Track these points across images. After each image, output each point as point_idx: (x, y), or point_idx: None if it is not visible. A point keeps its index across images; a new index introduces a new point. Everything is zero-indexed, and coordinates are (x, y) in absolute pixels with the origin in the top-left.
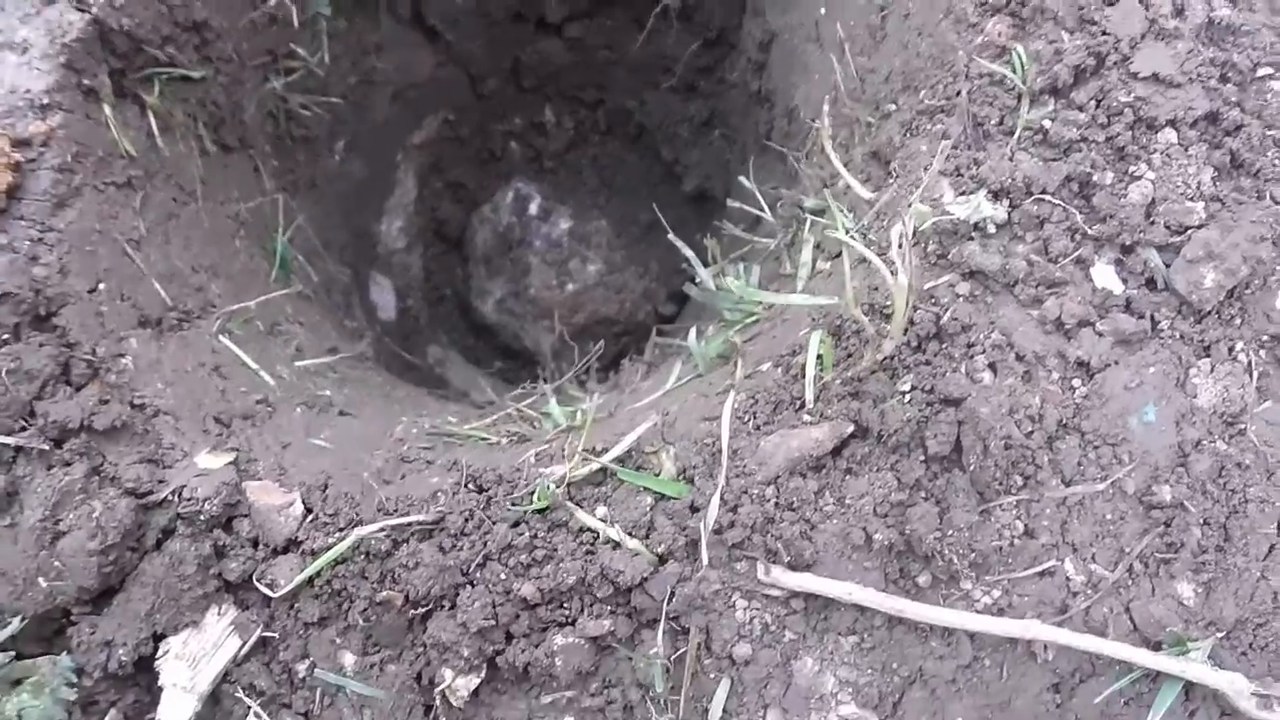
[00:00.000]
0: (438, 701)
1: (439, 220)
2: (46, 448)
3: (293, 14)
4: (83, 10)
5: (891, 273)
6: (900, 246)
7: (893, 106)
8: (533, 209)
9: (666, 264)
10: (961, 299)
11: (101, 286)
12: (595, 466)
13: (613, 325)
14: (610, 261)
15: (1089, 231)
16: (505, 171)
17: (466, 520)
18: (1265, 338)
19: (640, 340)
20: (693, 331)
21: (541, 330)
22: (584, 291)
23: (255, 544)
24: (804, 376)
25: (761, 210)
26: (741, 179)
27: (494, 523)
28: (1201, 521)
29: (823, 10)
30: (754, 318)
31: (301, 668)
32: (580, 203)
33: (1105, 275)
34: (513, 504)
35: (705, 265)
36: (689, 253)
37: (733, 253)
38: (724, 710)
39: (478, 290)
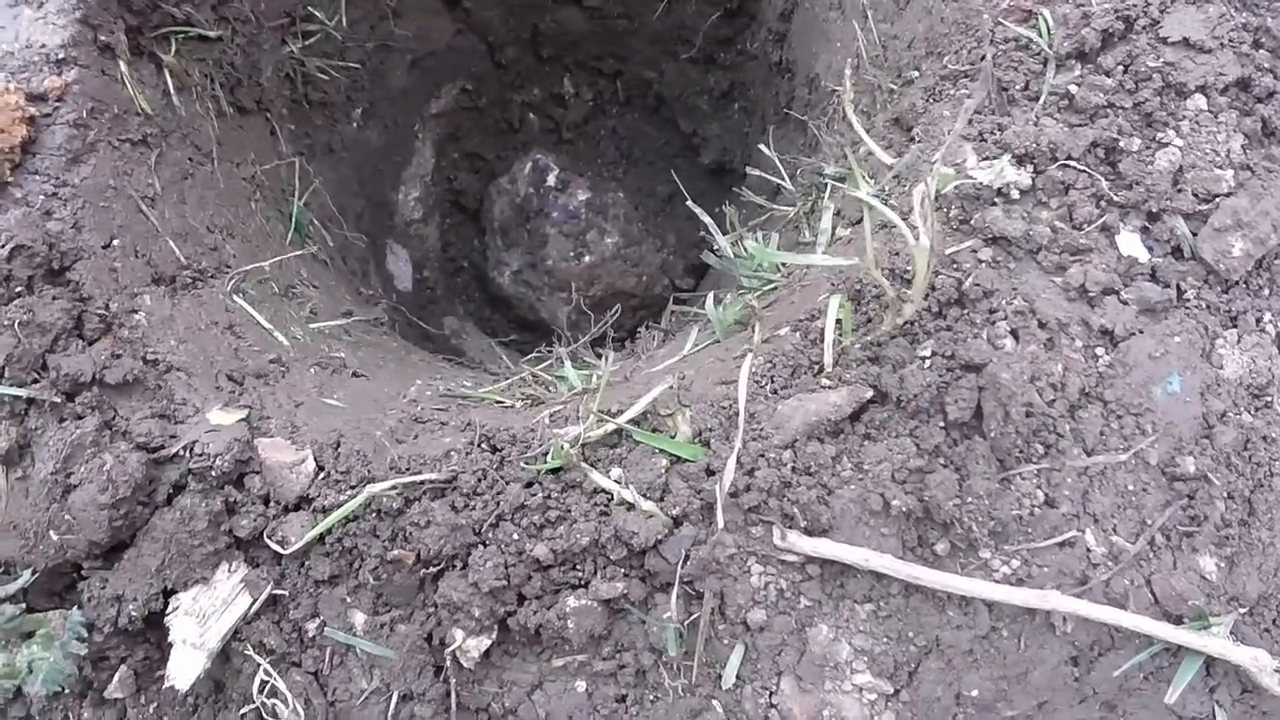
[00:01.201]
0: (448, 662)
1: (456, 191)
2: (58, 401)
3: None
4: None
5: (913, 235)
6: (922, 208)
7: (915, 73)
8: (550, 180)
9: (684, 237)
10: (984, 264)
11: (115, 243)
12: (610, 427)
13: (629, 298)
14: (627, 234)
15: (1115, 198)
16: (523, 142)
17: (479, 479)
18: None
19: (657, 314)
20: (710, 297)
21: (558, 302)
22: (601, 264)
23: (266, 501)
24: (823, 340)
25: (781, 179)
26: (761, 147)
27: (507, 482)
28: (1225, 495)
29: None
30: (772, 285)
31: (311, 626)
32: (598, 174)
33: (1131, 243)
34: (526, 464)
35: (724, 234)
36: (707, 219)
37: (751, 221)
38: (737, 677)
39: (494, 261)
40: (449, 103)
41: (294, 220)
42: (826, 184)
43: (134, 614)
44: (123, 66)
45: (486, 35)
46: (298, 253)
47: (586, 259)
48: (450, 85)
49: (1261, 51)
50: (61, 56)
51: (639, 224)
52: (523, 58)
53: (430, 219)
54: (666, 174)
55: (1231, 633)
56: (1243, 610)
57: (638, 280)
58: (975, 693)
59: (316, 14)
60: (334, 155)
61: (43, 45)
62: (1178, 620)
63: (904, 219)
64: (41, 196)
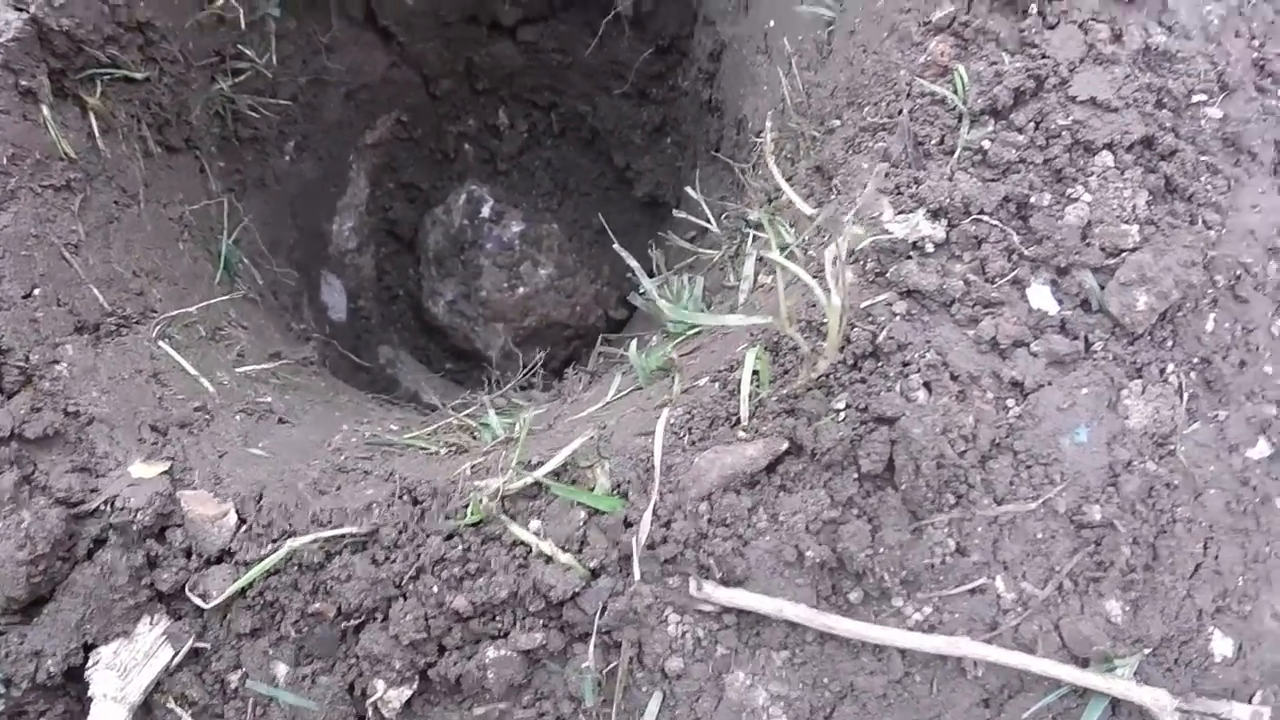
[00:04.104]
0: (370, 713)
1: (391, 220)
2: None
3: (240, 15)
4: (20, 9)
5: (825, 293)
6: (834, 266)
7: (837, 122)
8: (485, 211)
9: (618, 268)
10: (898, 317)
11: (37, 292)
12: (530, 480)
13: (564, 329)
14: (562, 265)
15: (1025, 252)
16: (458, 173)
17: (400, 532)
18: (1196, 360)
19: (591, 344)
20: (634, 344)
21: (492, 332)
22: (535, 295)
23: (188, 554)
24: (740, 392)
25: (708, 221)
26: (688, 189)
27: (427, 535)
28: (1131, 540)
29: (771, 23)
30: (696, 329)
31: (234, 678)
32: (533, 205)
33: (1041, 296)
34: (447, 517)
35: (651, 275)
36: (633, 263)
37: (679, 262)
38: None
39: (429, 291)
40: (384, 133)
41: (223, 260)
42: (749, 231)
43: (53, 669)
44: (45, 111)
45: (421, 68)
46: (225, 297)
47: (521, 290)
48: (385, 116)
49: (1164, 111)
50: None
51: (573, 255)
52: (458, 90)
53: (365, 249)
54: (601, 206)
55: (1135, 674)
56: (1146, 651)
57: (571, 311)
58: None
59: (247, 52)
60: (266, 189)
61: None
62: (1084, 663)
63: (817, 275)
64: None
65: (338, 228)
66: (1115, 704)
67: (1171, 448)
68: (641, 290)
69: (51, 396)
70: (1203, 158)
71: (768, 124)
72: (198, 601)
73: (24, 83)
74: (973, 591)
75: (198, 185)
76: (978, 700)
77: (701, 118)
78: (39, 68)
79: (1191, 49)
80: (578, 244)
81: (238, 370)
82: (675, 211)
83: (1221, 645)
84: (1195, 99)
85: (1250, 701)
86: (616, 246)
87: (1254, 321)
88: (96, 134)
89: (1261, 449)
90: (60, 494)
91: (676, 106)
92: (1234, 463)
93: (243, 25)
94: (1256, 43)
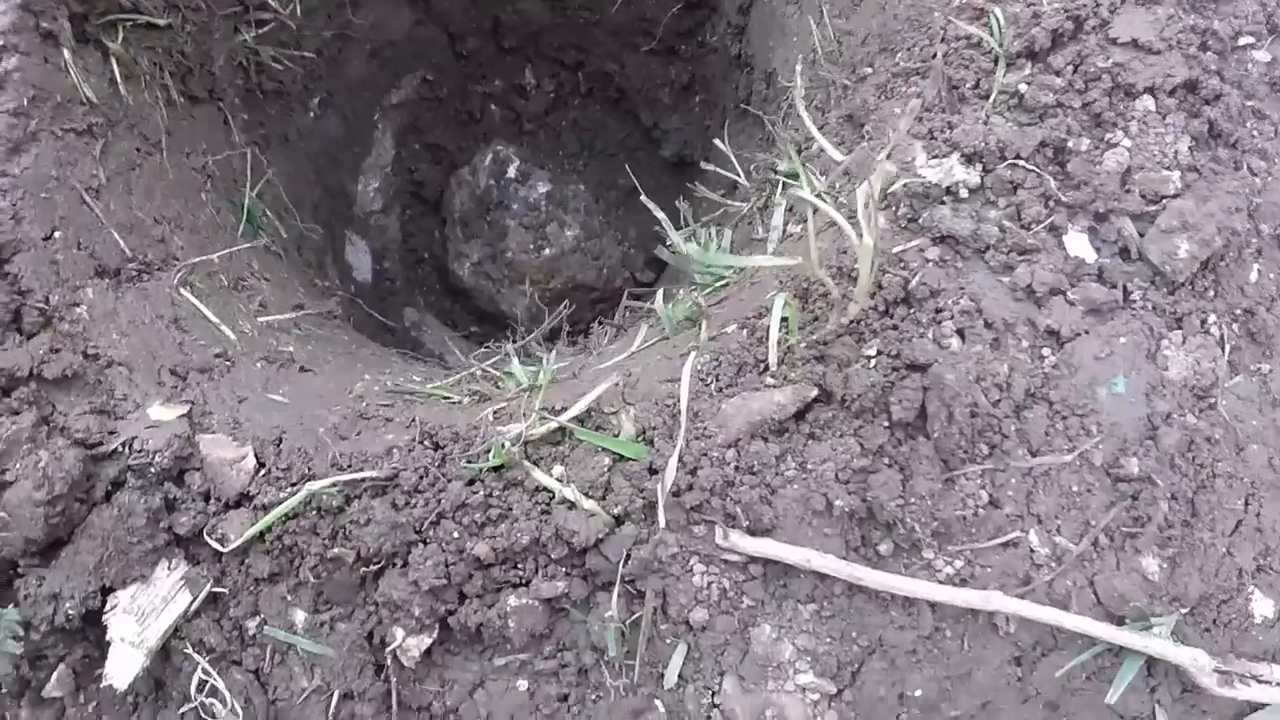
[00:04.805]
0: (389, 661)
1: (417, 182)
2: None
3: None
4: None
5: (857, 235)
6: (866, 208)
7: (869, 69)
8: (511, 172)
9: (644, 230)
10: (931, 264)
11: (57, 234)
12: (553, 425)
13: (590, 291)
14: (588, 227)
15: (1063, 198)
16: (484, 133)
17: (420, 477)
18: (1238, 311)
19: (617, 307)
20: (660, 294)
21: (518, 294)
22: (561, 257)
23: (206, 498)
24: (769, 339)
25: (736, 174)
26: (717, 142)
27: (448, 480)
28: (1169, 496)
29: None
30: (723, 281)
31: (252, 624)
32: (559, 166)
33: (1078, 243)
34: (468, 462)
35: (679, 229)
36: (661, 215)
37: (706, 217)
38: (680, 676)
39: (455, 253)
40: (409, 93)
41: (246, 211)
42: (780, 180)
43: (71, 612)
44: (66, 54)
45: (447, 26)
46: (248, 245)
47: (547, 251)
48: (410, 75)
49: (1209, 54)
50: (1, 43)
51: (599, 217)
52: (484, 48)
53: (390, 210)
54: (627, 166)
55: (1172, 633)
56: (1184, 611)
57: (598, 273)
58: (918, 693)
59: (270, 2)
60: (290, 145)
61: None
62: (1120, 621)
63: (849, 219)
64: None
65: (363, 188)
66: (1151, 664)
67: (1212, 401)
68: (669, 243)
69: (71, 338)
70: (1249, 103)
71: (798, 69)
72: (216, 546)
73: (45, 25)
74: (1005, 545)
75: (220, 137)
76: (1009, 657)
77: (730, 73)
78: (60, 10)
79: None
80: (604, 205)
81: (260, 320)
82: (705, 165)
83: (1262, 605)
84: (1242, 41)
85: None
86: (644, 199)
87: None
88: (119, 80)
89: None
90: (78, 435)
91: (705, 63)
92: (1277, 417)
93: None
94: None
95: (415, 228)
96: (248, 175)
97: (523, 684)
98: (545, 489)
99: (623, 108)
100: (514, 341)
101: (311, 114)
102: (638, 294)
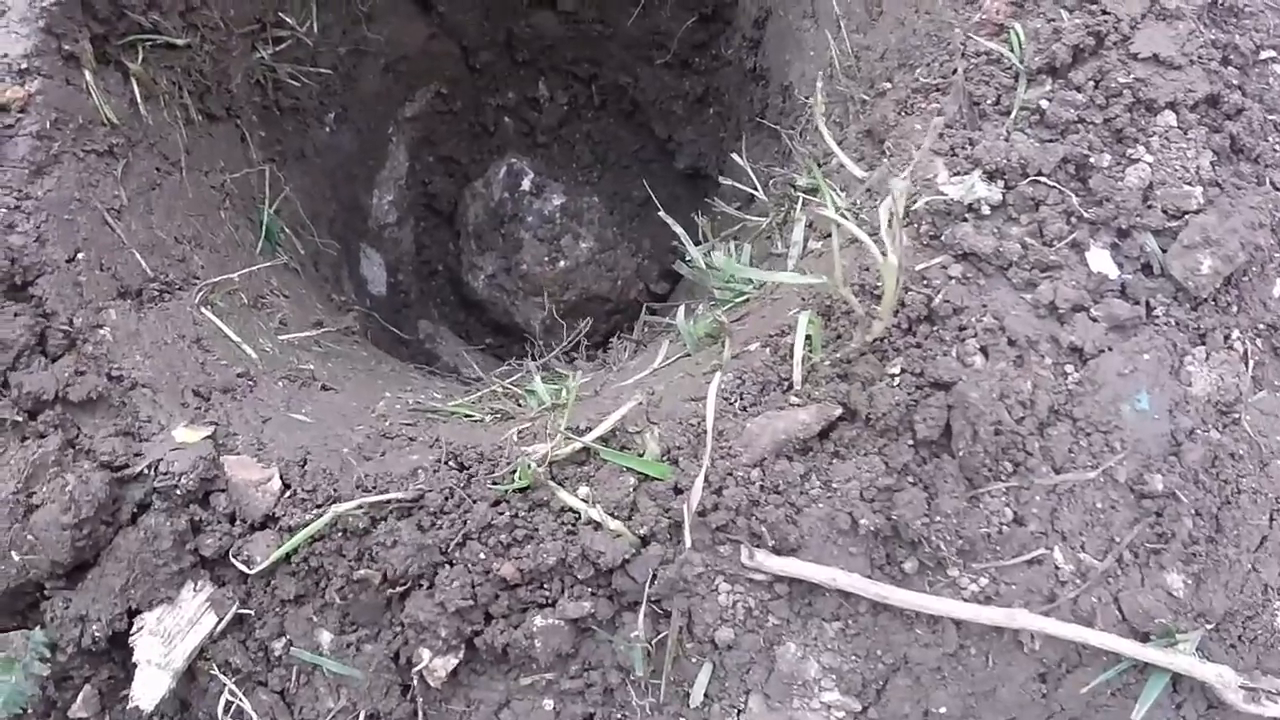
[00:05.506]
0: (415, 682)
1: (431, 194)
2: (20, 419)
3: None
4: None
5: (881, 252)
6: (890, 225)
7: (888, 84)
8: (525, 184)
9: (659, 242)
10: (954, 281)
11: (80, 256)
12: (578, 446)
13: (604, 303)
14: (602, 239)
15: (1085, 215)
16: (498, 146)
17: (446, 498)
18: (1262, 326)
19: (632, 319)
20: (681, 310)
21: (532, 307)
22: (575, 269)
23: (232, 519)
24: (792, 357)
25: (754, 188)
26: (734, 156)
27: (474, 501)
28: (1193, 512)
29: None
30: (744, 297)
31: (278, 645)
32: (573, 179)
33: (1101, 259)
34: (494, 483)
35: (696, 243)
36: (679, 230)
37: (724, 231)
38: (705, 695)
39: (469, 266)
40: (423, 106)
41: (264, 228)
42: (799, 196)
43: (98, 634)
44: (88, 76)
45: (461, 39)
46: (268, 263)
47: (561, 264)
48: (424, 89)
49: (1230, 68)
50: (24, 66)
51: (614, 229)
52: (497, 61)
53: (405, 223)
54: (641, 179)
55: (1198, 649)
56: (1209, 627)
57: (612, 285)
58: (943, 710)
59: (287, 20)
60: (306, 160)
61: (4, 55)
62: (1144, 637)
63: (872, 236)
64: (3, 210)
65: (377, 201)
66: (1176, 680)
67: (1236, 416)
68: (687, 257)
69: (95, 360)
70: (1271, 117)
71: (818, 84)
72: (241, 567)
73: (66, 47)
74: (1030, 562)
75: (238, 154)
76: (1034, 674)
77: (745, 86)
78: (81, 32)
79: (1259, 3)
80: (618, 217)
81: (280, 338)
82: (721, 179)
83: None
84: (1264, 55)
85: None
86: (662, 213)
87: None
88: (139, 100)
89: None
90: (104, 457)
91: (719, 76)
92: None
93: None
94: None
95: (430, 240)
96: (266, 192)
97: (549, 704)
98: (571, 509)
99: (636, 120)
100: (532, 357)
101: (327, 129)
102: (656, 309)
